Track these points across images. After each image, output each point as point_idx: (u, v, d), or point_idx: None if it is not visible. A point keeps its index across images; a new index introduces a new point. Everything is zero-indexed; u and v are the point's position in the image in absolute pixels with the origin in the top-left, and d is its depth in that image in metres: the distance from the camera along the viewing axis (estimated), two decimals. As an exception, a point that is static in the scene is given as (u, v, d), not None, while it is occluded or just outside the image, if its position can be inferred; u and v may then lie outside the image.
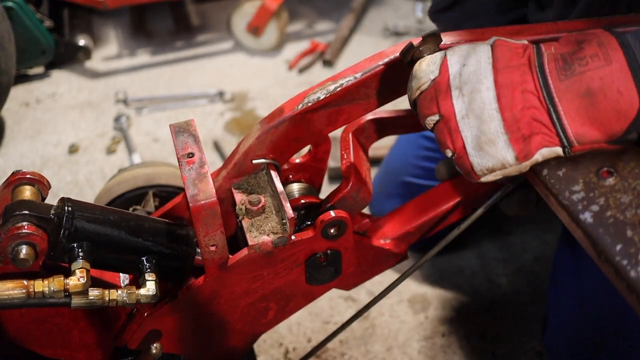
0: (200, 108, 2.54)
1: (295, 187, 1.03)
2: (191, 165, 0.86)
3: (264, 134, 0.93)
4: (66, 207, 0.83)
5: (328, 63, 2.79)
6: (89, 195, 2.13)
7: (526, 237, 1.93)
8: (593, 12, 1.05)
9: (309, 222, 0.97)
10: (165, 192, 1.40)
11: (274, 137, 0.93)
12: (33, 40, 2.46)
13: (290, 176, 1.05)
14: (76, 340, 0.95)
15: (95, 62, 2.82)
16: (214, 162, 2.25)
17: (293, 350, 1.64)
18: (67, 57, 2.72)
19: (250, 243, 0.90)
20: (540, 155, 0.74)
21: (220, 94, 2.58)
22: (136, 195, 1.40)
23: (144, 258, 0.90)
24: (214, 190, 0.82)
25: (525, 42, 0.78)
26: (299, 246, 0.93)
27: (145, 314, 0.94)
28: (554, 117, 0.72)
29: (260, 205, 0.92)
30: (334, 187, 0.99)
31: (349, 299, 1.75)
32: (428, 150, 1.65)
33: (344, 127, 0.98)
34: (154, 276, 0.89)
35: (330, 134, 0.98)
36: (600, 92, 0.71)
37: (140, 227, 0.90)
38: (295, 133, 0.94)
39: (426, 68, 0.79)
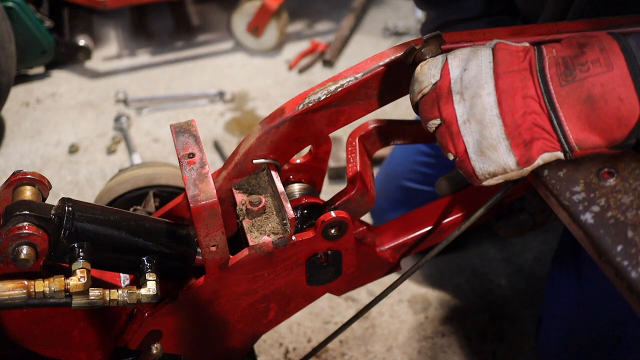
0: (200, 108, 2.54)
1: (296, 188, 1.03)
2: (192, 165, 0.86)
3: (265, 134, 0.93)
4: (66, 208, 0.83)
5: (328, 63, 2.79)
6: (89, 195, 2.13)
7: (526, 237, 1.93)
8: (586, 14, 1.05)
9: (310, 223, 0.97)
10: (166, 193, 1.40)
11: (275, 137, 0.93)
12: (33, 40, 2.46)
13: (291, 176, 1.05)
14: (77, 341, 0.95)
15: (96, 62, 2.82)
16: (214, 162, 2.25)
17: (293, 350, 1.64)
18: (67, 57, 2.72)
19: (250, 243, 0.90)
20: (542, 159, 0.74)
21: (221, 94, 2.58)
22: (137, 196, 1.40)
23: (144, 258, 0.90)
24: (215, 191, 0.82)
25: (527, 44, 0.78)
26: (299, 246, 0.93)
27: (146, 314, 0.94)
28: (555, 122, 0.72)
29: (260, 206, 0.93)
30: (334, 187, 1.00)
31: (349, 299, 1.75)
32: (427, 156, 1.65)
33: (344, 127, 0.98)
34: (155, 276, 0.89)
35: (331, 134, 0.99)
36: (601, 99, 0.70)
37: (141, 227, 0.90)
38: (296, 133, 0.94)
39: (427, 72, 0.79)
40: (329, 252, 0.97)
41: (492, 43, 0.78)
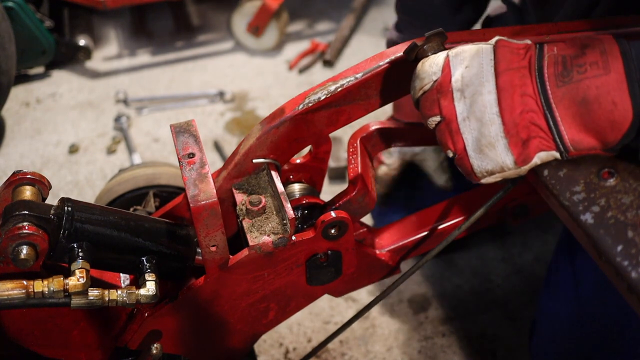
0: (200, 108, 2.54)
1: (296, 188, 1.03)
2: (192, 165, 0.86)
3: (265, 134, 0.93)
4: (66, 207, 0.83)
5: (328, 63, 2.79)
6: (89, 195, 2.13)
7: (526, 237, 1.93)
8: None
9: (310, 223, 0.97)
10: (166, 193, 1.40)
11: (275, 137, 0.93)
12: (33, 40, 2.46)
13: (291, 176, 1.05)
14: (77, 341, 0.95)
15: (96, 62, 2.82)
16: (214, 162, 2.25)
17: (293, 350, 1.64)
18: (67, 57, 2.72)
19: (250, 243, 0.90)
20: (539, 158, 0.74)
21: (221, 94, 2.58)
22: (137, 196, 1.40)
23: (144, 258, 0.90)
24: (215, 191, 0.82)
25: (529, 41, 0.78)
26: (299, 246, 0.93)
27: (146, 314, 0.94)
28: (551, 122, 0.73)
29: (260, 206, 0.92)
30: (334, 187, 1.00)
31: (349, 299, 1.75)
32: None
33: (344, 127, 0.98)
34: (154, 276, 0.89)
35: (331, 134, 0.99)
36: (596, 102, 0.71)
37: (141, 227, 0.90)
38: (296, 133, 0.94)
39: (429, 69, 0.80)
40: (329, 252, 0.97)
41: (494, 40, 0.78)
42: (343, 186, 2.01)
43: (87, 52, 2.75)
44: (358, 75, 0.90)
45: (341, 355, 1.63)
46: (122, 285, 0.98)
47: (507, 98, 0.74)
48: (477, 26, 1.49)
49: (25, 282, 0.80)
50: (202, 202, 0.81)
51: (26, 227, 0.78)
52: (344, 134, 2.23)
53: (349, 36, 2.98)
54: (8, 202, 0.81)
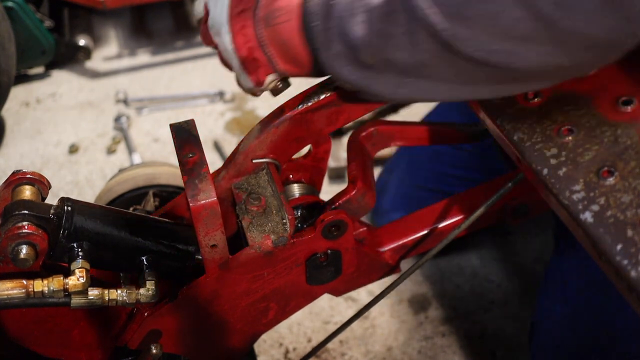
0: (200, 108, 2.54)
1: (296, 187, 1.03)
2: (191, 165, 0.86)
3: (265, 133, 0.93)
4: (66, 207, 0.83)
5: (328, 63, 2.79)
6: (89, 195, 2.13)
7: (526, 237, 1.93)
8: None
9: (310, 222, 0.97)
10: (166, 192, 1.40)
11: (275, 136, 0.93)
12: (33, 40, 2.46)
13: (291, 176, 1.05)
14: (76, 340, 0.95)
15: (96, 62, 2.82)
16: (214, 162, 2.25)
17: (293, 350, 1.64)
18: (67, 57, 2.72)
19: (250, 243, 0.90)
20: (269, 80, 0.90)
21: (221, 94, 2.58)
22: (136, 195, 1.40)
23: (143, 258, 0.90)
24: (214, 190, 0.82)
25: None
26: (299, 246, 0.93)
27: (146, 314, 0.94)
28: (269, 56, 0.86)
29: (260, 205, 0.92)
30: (334, 187, 1.00)
31: (349, 299, 1.75)
32: (431, 152, 1.65)
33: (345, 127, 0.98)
34: (154, 276, 0.89)
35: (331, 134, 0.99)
36: (289, 42, 0.83)
37: (140, 227, 0.90)
38: (296, 133, 0.94)
39: (197, 6, 0.95)
40: (329, 251, 0.97)
41: None
42: (343, 186, 2.01)
43: (87, 52, 2.75)
44: (358, 75, 0.89)
45: (341, 355, 1.63)
46: (122, 285, 0.98)
47: (237, 38, 0.86)
48: None
49: (25, 282, 0.80)
50: (202, 202, 0.81)
51: (26, 227, 0.78)
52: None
53: (349, 36, 2.98)
54: (8, 202, 0.81)
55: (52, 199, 0.84)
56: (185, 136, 0.90)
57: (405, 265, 1.05)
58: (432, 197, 1.17)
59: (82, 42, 2.73)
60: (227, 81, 2.69)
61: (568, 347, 1.33)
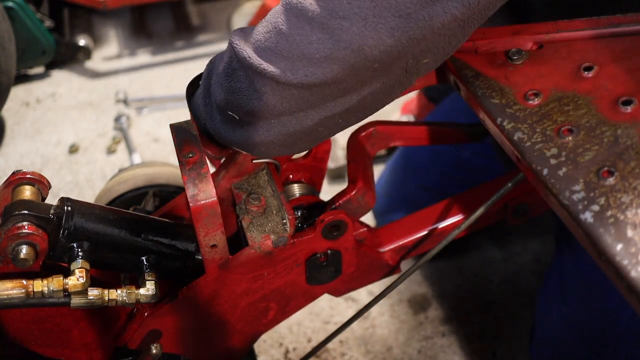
0: (200, 108, 2.54)
1: (296, 187, 1.03)
2: (191, 165, 0.86)
3: (264, 133, 0.93)
4: (66, 207, 0.83)
5: (328, 63, 2.79)
6: (89, 195, 2.13)
7: (526, 237, 1.93)
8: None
9: (310, 222, 0.97)
10: (166, 192, 1.40)
11: (274, 137, 0.93)
12: (33, 40, 2.46)
13: (291, 176, 1.05)
14: (76, 340, 0.95)
15: (96, 62, 2.82)
16: (211, 163, 2.25)
17: (293, 350, 1.64)
18: (67, 57, 2.72)
19: (250, 243, 0.90)
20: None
21: (221, 94, 2.58)
22: (136, 195, 1.39)
23: (143, 258, 0.90)
24: (214, 190, 0.82)
25: None
26: (299, 246, 0.93)
27: (146, 314, 0.94)
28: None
29: (260, 205, 0.92)
30: (334, 187, 1.00)
31: (349, 299, 1.75)
32: (431, 152, 1.65)
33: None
34: (154, 276, 0.89)
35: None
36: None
37: (140, 227, 0.90)
38: (296, 133, 0.94)
39: None
40: (329, 251, 0.97)
41: None
42: (343, 186, 2.01)
43: (87, 52, 2.75)
44: (358, 75, 0.89)
45: (341, 355, 1.63)
46: (122, 285, 0.97)
47: None
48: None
49: (24, 282, 0.80)
50: (202, 202, 0.81)
51: (26, 227, 0.78)
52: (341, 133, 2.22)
53: (349, 36, 2.98)
54: (8, 202, 0.81)
55: (52, 199, 0.84)
56: (185, 136, 0.90)
57: (405, 265, 1.05)
58: (432, 198, 1.18)
59: (82, 42, 2.73)
60: (227, 81, 2.69)
61: (567, 347, 1.33)
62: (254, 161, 0.97)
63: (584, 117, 0.80)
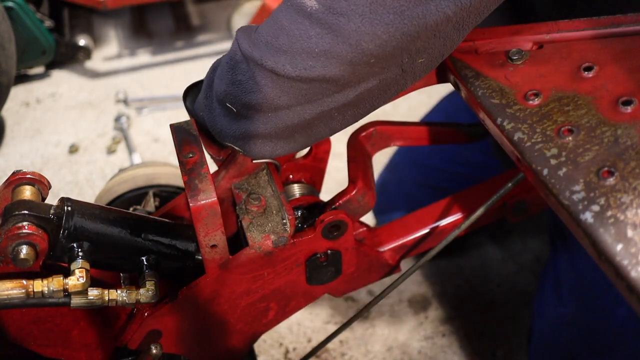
0: (200, 108, 2.54)
1: (296, 187, 1.03)
2: (191, 165, 0.86)
3: (264, 133, 0.93)
4: (66, 207, 0.83)
5: (328, 63, 2.79)
6: (89, 195, 2.13)
7: (526, 237, 1.93)
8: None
9: (310, 222, 0.97)
10: (166, 192, 1.40)
11: (274, 137, 0.93)
12: (33, 40, 2.46)
13: (291, 176, 1.05)
14: (76, 340, 0.95)
15: (96, 62, 2.82)
16: (214, 162, 2.25)
17: (293, 350, 1.64)
18: (67, 57, 2.72)
19: (250, 243, 0.90)
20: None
21: (221, 94, 2.58)
22: (136, 195, 1.40)
23: (143, 258, 0.90)
24: (214, 190, 0.82)
25: None
26: (299, 246, 0.93)
27: (146, 314, 0.94)
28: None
29: (260, 205, 0.92)
30: (334, 187, 1.00)
31: (349, 299, 1.75)
32: (432, 149, 1.65)
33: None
34: (154, 276, 0.89)
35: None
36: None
37: (140, 227, 0.90)
38: (296, 133, 0.94)
39: None
40: (329, 251, 0.97)
41: None
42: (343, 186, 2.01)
43: (87, 52, 2.75)
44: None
45: (341, 355, 1.63)
46: (122, 285, 0.97)
47: None
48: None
49: (24, 282, 0.80)
50: (202, 202, 0.81)
51: (26, 227, 0.78)
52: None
53: (349, 36, 2.98)
54: (8, 202, 0.81)
55: (52, 199, 0.84)
56: (185, 136, 0.90)
57: (405, 265, 1.05)
58: (432, 195, 1.18)
59: (82, 42, 2.74)
60: (227, 81, 2.69)
61: (563, 346, 1.33)
62: (254, 161, 0.97)
63: (584, 117, 0.80)
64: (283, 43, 0.77)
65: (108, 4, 2.60)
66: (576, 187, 0.73)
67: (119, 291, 0.85)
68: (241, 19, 2.81)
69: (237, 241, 1.03)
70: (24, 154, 2.33)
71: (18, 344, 0.92)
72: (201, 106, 0.92)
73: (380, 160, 1.92)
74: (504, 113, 0.84)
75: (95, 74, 2.75)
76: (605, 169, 0.74)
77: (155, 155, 2.31)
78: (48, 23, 2.56)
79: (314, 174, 1.07)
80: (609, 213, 0.70)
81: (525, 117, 0.83)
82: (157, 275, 0.89)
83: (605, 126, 0.79)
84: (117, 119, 2.45)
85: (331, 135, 0.89)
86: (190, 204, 0.81)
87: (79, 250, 0.82)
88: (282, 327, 1.68)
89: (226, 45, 2.93)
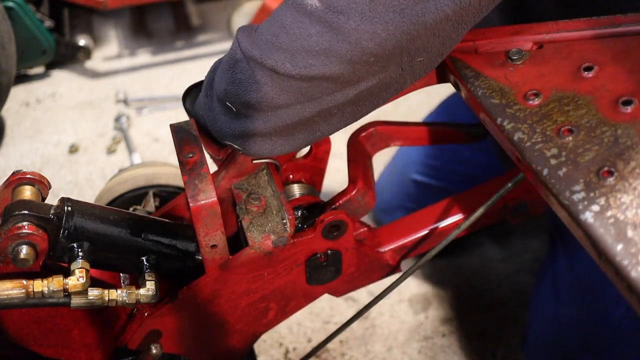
0: (200, 108, 2.54)
1: (296, 187, 1.03)
2: (191, 165, 0.86)
3: (264, 133, 0.93)
4: (66, 207, 0.83)
5: (328, 63, 2.78)
6: (89, 195, 2.13)
7: (526, 237, 1.93)
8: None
9: (310, 222, 0.97)
10: (166, 192, 1.40)
11: (274, 137, 0.93)
12: (33, 40, 2.46)
13: (291, 176, 1.05)
14: (76, 340, 0.95)
15: (96, 62, 2.82)
16: (214, 162, 2.25)
17: (293, 350, 1.64)
18: (67, 57, 2.72)
19: (250, 243, 0.90)
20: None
21: (221, 94, 2.57)
22: (136, 195, 1.40)
23: (143, 258, 0.90)
24: (214, 190, 0.82)
25: None
26: (299, 246, 0.93)
27: (146, 314, 0.94)
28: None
29: (260, 205, 0.92)
30: (334, 187, 1.00)
31: (349, 299, 1.75)
32: (434, 148, 1.66)
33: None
34: (154, 276, 0.89)
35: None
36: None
37: (140, 227, 0.90)
38: (296, 133, 0.94)
39: None
40: (329, 251, 0.97)
41: None
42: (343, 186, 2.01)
43: (87, 52, 2.75)
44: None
45: (341, 355, 1.63)
46: (122, 285, 0.98)
47: None
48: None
49: (24, 282, 0.80)
50: (202, 202, 0.81)
51: (26, 227, 0.78)
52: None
53: (349, 36, 2.98)
54: (8, 202, 0.81)
55: (52, 199, 0.84)
56: (185, 136, 0.90)
57: (405, 265, 1.05)
58: (433, 194, 1.18)
59: (82, 42, 2.73)
60: (227, 81, 2.69)
61: (559, 345, 1.33)
62: (254, 161, 0.97)
63: (584, 117, 0.80)
64: (283, 41, 0.77)
65: (108, 4, 2.60)
66: (576, 187, 0.73)
67: (119, 291, 0.85)
68: (241, 18, 2.81)
69: (237, 241, 1.03)
70: (24, 154, 2.33)
71: (18, 344, 0.92)
72: (201, 105, 0.92)
73: (381, 160, 1.92)
74: (504, 113, 0.84)
75: (95, 74, 2.75)
76: (605, 169, 0.74)
77: (155, 155, 2.31)
78: (48, 23, 2.55)
79: (314, 174, 1.07)
80: (609, 213, 0.70)
81: (525, 117, 0.83)
82: (157, 276, 0.89)
83: (605, 126, 0.79)
84: (117, 119, 2.45)
85: (331, 134, 0.89)
86: (190, 204, 0.81)
87: (79, 250, 0.82)
88: (282, 327, 1.68)
89: (226, 45, 2.93)
